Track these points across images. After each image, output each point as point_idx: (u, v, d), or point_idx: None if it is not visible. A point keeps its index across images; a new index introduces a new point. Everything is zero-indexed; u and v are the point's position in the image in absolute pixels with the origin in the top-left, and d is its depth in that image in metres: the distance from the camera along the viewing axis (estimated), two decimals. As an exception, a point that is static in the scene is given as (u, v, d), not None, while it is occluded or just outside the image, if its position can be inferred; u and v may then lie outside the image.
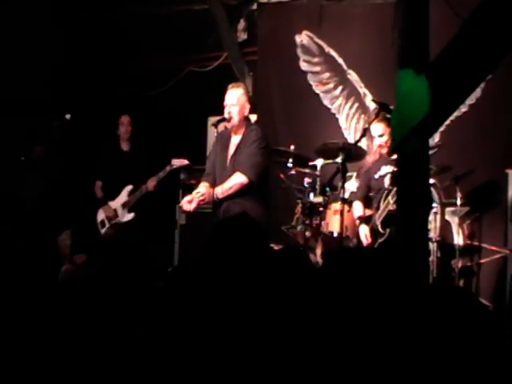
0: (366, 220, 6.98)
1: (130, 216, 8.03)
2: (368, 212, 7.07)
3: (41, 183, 8.35)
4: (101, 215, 8.16)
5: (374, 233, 6.77)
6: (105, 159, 8.42)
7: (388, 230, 6.64)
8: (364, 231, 6.91)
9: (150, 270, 3.73)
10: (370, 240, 6.85)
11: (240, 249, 2.86)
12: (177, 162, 7.42)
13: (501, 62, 4.08)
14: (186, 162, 7.32)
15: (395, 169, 6.42)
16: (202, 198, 6.64)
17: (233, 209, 6.56)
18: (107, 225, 8.07)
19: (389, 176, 6.89)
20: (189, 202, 6.69)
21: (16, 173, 8.31)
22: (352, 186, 7.91)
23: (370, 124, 6.88)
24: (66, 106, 8.18)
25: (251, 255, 2.87)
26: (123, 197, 8.07)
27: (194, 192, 6.75)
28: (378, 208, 6.78)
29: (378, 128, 6.89)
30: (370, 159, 7.31)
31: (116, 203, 8.11)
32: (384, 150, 6.95)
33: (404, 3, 4.47)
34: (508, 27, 3.87)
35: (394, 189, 6.41)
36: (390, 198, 6.60)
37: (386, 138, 6.86)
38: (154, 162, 8.15)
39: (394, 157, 6.58)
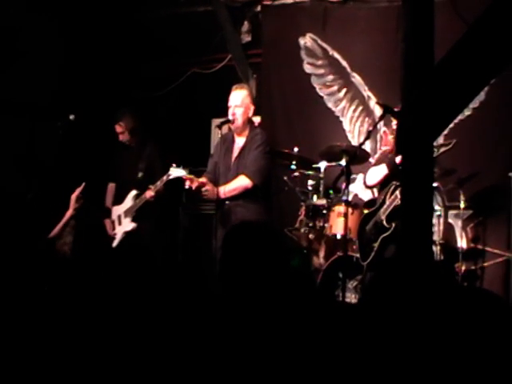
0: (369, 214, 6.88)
1: (131, 226, 7.79)
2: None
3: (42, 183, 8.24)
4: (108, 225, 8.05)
5: (378, 227, 6.70)
6: (115, 158, 8.30)
7: (393, 225, 6.54)
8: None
9: (154, 270, 3.73)
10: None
11: (256, 253, 2.85)
12: (175, 172, 7.25)
13: (506, 67, 4.08)
14: (184, 172, 7.17)
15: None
16: (204, 184, 6.67)
17: (235, 210, 6.63)
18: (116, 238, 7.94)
19: None
20: (190, 181, 6.71)
21: (19, 173, 8.24)
22: (356, 188, 7.92)
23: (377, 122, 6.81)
24: (69, 107, 8.16)
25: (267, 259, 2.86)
26: (127, 203, 7.88)
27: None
28: (383, 202, 6.71)
29: None
30: (385, 150, 7.27)
31: (120, 209, 7.93)
32: None
33: (408, 7, 4.48)
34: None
35: None
36: (397, 192, 6.51)
37: None
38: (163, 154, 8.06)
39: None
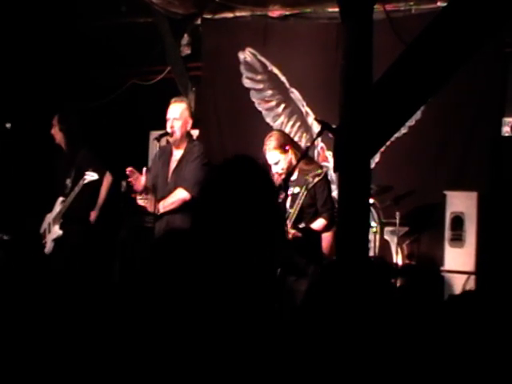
0: None
1: (57, 233, 7.73)
2: None
3: None
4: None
5: None
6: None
7: None
8: None
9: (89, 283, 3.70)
10: None
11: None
12: (88, 176, 7.39)
13: (442, 86, 4.15)
14: (96, 176, 7.36)
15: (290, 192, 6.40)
16: (143, 193, 6.62)
17: (173, 222, 6.57)
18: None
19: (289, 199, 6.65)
20: (131, 173, 6.63)
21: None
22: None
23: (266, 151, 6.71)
24: (7, 115, 8.04)
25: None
26: (56, 210, 7.81)
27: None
28: None
29: (273, 156, 6.61)
30: None
31: (50, 217, 7.85)
32: (282, 177, 6.48)
33: (348, 25, 4.52)
34: (449, 54, 3.94)
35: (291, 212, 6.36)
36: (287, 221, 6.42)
37: (282, 164, 6.56)
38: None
39: (294, 177, 6.56)
